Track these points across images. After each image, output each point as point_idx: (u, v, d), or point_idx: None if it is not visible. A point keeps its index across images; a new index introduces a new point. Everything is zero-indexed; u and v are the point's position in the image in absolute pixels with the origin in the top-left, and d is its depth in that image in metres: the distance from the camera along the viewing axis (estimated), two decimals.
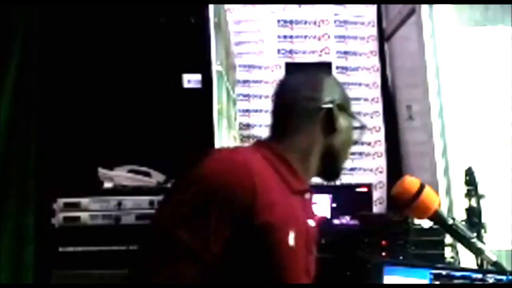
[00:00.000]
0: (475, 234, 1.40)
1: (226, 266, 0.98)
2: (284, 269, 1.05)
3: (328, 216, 3.09)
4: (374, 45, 3.92)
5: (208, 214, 0.96)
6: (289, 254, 1.05)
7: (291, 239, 1.05)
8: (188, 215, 0.97)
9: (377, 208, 3.58)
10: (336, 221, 2.97)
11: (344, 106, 1.22)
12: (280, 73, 3.86)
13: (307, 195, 1.20)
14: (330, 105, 1.18)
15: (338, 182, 2.22)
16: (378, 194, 3.69)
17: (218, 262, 0.96)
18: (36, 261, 2.00)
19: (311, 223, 1.20)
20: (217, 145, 2.22)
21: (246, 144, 3.73)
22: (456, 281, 1.51)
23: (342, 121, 1.20)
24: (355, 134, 1.27)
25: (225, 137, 2.58)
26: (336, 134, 1.19)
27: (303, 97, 1.19)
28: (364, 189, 3.32)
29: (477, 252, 1.33)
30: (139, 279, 0.98)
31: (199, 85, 2.26)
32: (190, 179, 1.02)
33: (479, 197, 2.11)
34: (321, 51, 3.90)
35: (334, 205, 3.15)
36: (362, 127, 1.27)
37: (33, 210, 2.02)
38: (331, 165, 1.23)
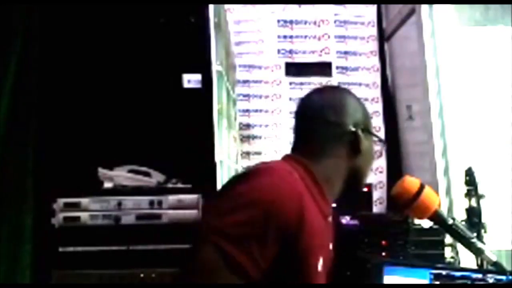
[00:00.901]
0: (475, 234, 1.40)
1: (263, 280, 1.00)
2: (299, 284, 1.07)
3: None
4: (374, 45, 3.92)
5: (265, 237, 0.98)
6: (317, 278, 1.10)
7: (320, 265, 1.10)
8: (246, 237, 0.98)
9: (377, 208, 3.58)
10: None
11: (366, 126, 1.25)
12: (280, 73, 3.87)
13: (330, 218, 1.23)
14: (354, 129, 1.21)
15: None
16: (378, 194, 3.69)
17: (260, 277, 0.99)
18: (35, 261, 1.99)
19: (331, 247, 1.24)
20: (217, 145, 2.22)
21: (247, 144, 3.76)
22: (456, 281, 1.51)
23: (365, 142, 1.23)
24: (376, 149, 1.31)
25: (225, 137, 2.57)
26: (360, 155, 1.23)
27: (329, 122, 1.21)
28: (364, 189, 3.32)
29: (477, 252, 1.33)
30: None
31: (199, 85, 2.26)
32: (248, 200, 1.02)
33: (479, 197, 2.11)
34: (321, 51, 3.90)
35: (334, 205, 3.14)
36: (382, 142, 1.33)
37: (31, 209, 2.02)
38: (355, 185, 1.26)
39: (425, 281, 1.54)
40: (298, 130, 1.26)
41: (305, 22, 3.92)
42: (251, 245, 0.97)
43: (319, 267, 1.10)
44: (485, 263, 1.51)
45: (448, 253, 2.31)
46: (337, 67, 3.89)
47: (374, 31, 3.93)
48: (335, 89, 1.37)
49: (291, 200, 1.02)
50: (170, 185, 2.13)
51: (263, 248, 0.98)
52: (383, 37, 3.92)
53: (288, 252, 1.01)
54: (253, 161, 3.74)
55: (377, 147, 1.32)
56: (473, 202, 2.12)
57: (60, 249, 1.97)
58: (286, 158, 1.21)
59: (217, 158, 2.18)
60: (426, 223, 2.22)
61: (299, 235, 1.02)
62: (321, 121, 1.21)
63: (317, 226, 1.09)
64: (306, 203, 1.06)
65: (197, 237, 1.02)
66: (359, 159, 1.22)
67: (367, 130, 1.24)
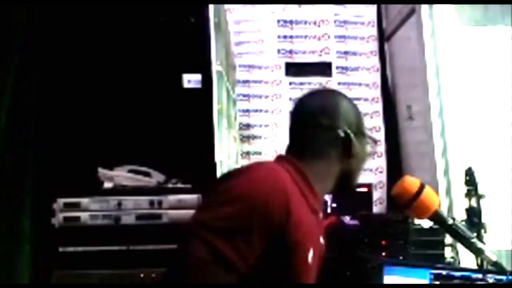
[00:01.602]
0: (475, 234, 1.40)
1: (254, 274, 1.03)
2: (299, 282, 1.11)
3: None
4: (374, 45, 3.92)
5: (250, 231, 1.01)
6: (307, 270, 1.13)
7: (310, 257, 1.12)
8: (232, 230, 1.01)
9: (377, 208, 3.58)
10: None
11: (359, 129, 1.27)
12: (280, 73, 3.87)
13: (320, 214, 1.26)
14: (346, 133, 1.23)
15: None
16: (378, 194, 3.69)
17: (250, 271, 1.02)
18: (35, 261, 1.99)
19: (322, 240, 1.26)
20: (217, 145, 2.22)
21: (247, 144, 3.76)
22: (456, 281, 1.51)
23: (358, 145, 1.25)
24: (369, 150, 1.32)
25: (225, 137, 2.58)
26: (352, 158, 1.25)
27: (320, 124, 1.24)
28: (364, 189, 3.32)
29: (477, 252, 1.33)
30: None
31: (199, 85, 2.26)
32: (235, 195, 1.05)
33: (479, 197, 2.11)
34: (321, 51, 3.90)
35: (334, 205, 3.15)
36: (375, 142, 1.34)
37: (30, 209, 2.01)
38: (347, 184, 1.29)
39: (425, 281, 1.54)
40: (292, 132, 1.30)
41: (305, 22, 3.92)
42: (237, 238, 1.00)
43: (309, 259, 1.12)
44: (485, 263, 1.51)
45: (448, 253, 2.31)
46: (337, 67, 3.89)
47: (374, 31, 3.93)
48: (328, 92, 1.39)
49: (276, 194, 1.05)
50: (170, 185, 2.13)
51: (249, 242, 1.01)
52: (383, 37, 3.93)
53: (275, 245, 1.04)
54: (253, 161, 3.72)
55: (371, 148, 1.32)
56: (473, 202, 2.12)
57: (60, 249, 1.97)
58: (278, 158, 1.25)
59: (217, 158, 2.18)
60: (426, 223, 2.22)
61: (286, 228, 1.05)
62: (314, 125, 1.25)
63: (305, 220, 1.12)
64: (292, 198, 1.08)
65: (186, 232, 1.04)
66: (351, 161, 1.25)
67: (360, 132, 1.27)
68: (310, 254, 1.12)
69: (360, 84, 3.88)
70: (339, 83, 3.86)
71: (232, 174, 1.11)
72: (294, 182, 1.14)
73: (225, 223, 1.01)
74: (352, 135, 1.23)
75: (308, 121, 1.26)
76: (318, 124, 1.24)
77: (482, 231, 2.06)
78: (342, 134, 1.23)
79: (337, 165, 1.24)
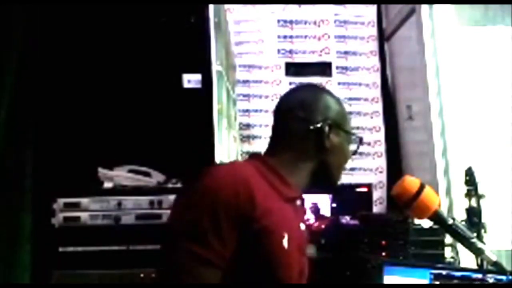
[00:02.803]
0: (475, 234, 1.40)
1: (232, 267, 1.06)
2: (280, 269, 1.12)
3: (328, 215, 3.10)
4: (374, 45, 3.92)
5: (219, 228, 1.05)
6: (284, 255, 1.13)
7: (285, 242, 1.13)
8: (203, 232, 1.04)
9: (377, 208, 3.59)
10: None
11: (338, 123, 1.26)
12: (280, 73, 3.87)
13: (298, 202, 1.27)
14: (319, 125, 1.24)
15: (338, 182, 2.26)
16: (378, 194, 3.69)
17: (228, 265, 1.06)
18: (35, 261, 1.99)
19: (303, 227, 1.27)
20: (217, 145, 2.22)
21: (247, 144, 3.76)
22: (456, 281, 1.51)
23: (334, 139, 1.25)
24: (352, 148, 1.32)
25: (225, 137, 2.58)
26: (328, 151, 1.25)
27: (295, 117, 1.25)
28: (364, 189, 3.32)
29: (477, 252, 1.33)
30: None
31: (199, 85, 2.26)
32: (196, 197, 1.09)
33: (479, 197, 2.11)
34: (321, 51, 3.90)
35: (334, 205, 3.15)
36: (360, 140, 1.33)
37: (30, 210, 2.01)
38: (324, 179, 1.29)
39: (425, 281, 1.54)
40: (273, 126, 1.33)
41: (305, 22, 3.92)
42: (211, 240, 1.04)
43: (285, 244, 1.12)
44: (485, 263, 1.51)
45: (448, 253, 2.31)
46: (337, 67, 3.89)
47: (374, 31, 3.93)
48: (311, 87, 1.39)
49: (237, 188, 1.08)
50: (170, 185, 2.13)
51: (222, 239, 1.04)
52: (383, 37, 3.93)
53: (245, 235, 1.07)
54: None
55: (355, 147, 1.32)
56: (473, 202, 2.12)
57: (60, 249, 1.97)
58: (249, 156, 1.30)
59: (217, 158, 2.18)
60: (426, 223, 2.22)
61: (253, 217, 1.07)
62: (291, 116, 1.26)
63: (275, 209, 1.13)
64: (256, 187, 1.10)
65: (165, 240, 1.09)
66: (327, 155, 1.25)
67: (339, 127, 1.26)
68: (285, 239, 1.13)
69: (360, 84, 3.88)
70: (339, 83, 3.86)
71: (198, 177, 1.14)
72: (261, 175, 1.17)
73: (197, 228, 1.04)
74: (326, 128, 1.23)
75: (284, 114, 1.28)
76: (293, 117, 1.25)
77: (482, 231, 2.07)
78: (316, 126, 1.23)
79: (312, 158, 1.24)
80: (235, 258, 1.06)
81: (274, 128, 1.33)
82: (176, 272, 1.04)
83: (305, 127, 1.24)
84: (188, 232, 1.05)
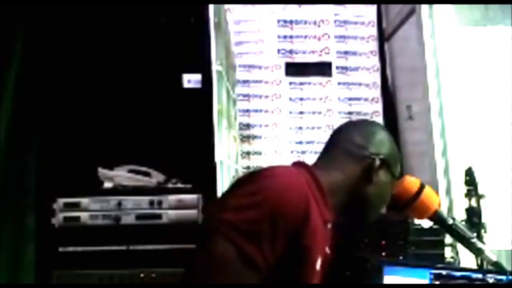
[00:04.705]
0: (475, 234, 1.40)
1: (270, 275, 1.07)
2: (300, 284, 1.13)
3: None
4: (374, 45, 3.92)
5: (275, 235, 1.06)
6: (314, 276, 1.16)
7: (318, 264, 1.16)
8: (258, 233, 1.05)
9: None
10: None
11: (388, 163, 1.28)
12: (280, 73, 3.87)
13: (329, 225, 1.26)
14: (373, 157, 1.25)
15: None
16: None
17: (267, 272, 1.06)
18: (39, 261, 1.99)
19: (327, 251, 1.28)
20: (217, 145, 2.22)
21: (247, 144, 3.76)
22: (456, 281, 1.50)
23: (381, 176, 1.27)
24: (391, 190, 1.33)
25: (225, 137, 2.58)
26: (371, 186, 1.26)
27: (354, 142, 1.28)
28: None
29: (477, 252, 1.33)
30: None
31: (199, 85, 2.26)
32: (260, 197, 1.08)
33: (479, 197, 2.11)
34: (321, 51, 3.90)
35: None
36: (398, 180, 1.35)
37: (34, 210, 2.02)
38: (358, 212, 1.30)
39: (425, 281, 1.54)
40: (328, 145, 1.33)
41: (305, 22, 3.92)
42: (262, 241, 1.04)
43: (317, 266, 1.15)
44: (485, 263, 1.51)
45: (448, 253, 2.31)
46: (337, 67, 3.89)
47: (374, 31, 3.93)
48: (373, 122, 1.44)
49: (297, 200, 1.09)
50: (170, 185, 2.13)
51: (272, 244, 1.05)
52: (383, 37, 3.92)
53: (292, 248, 1.07)
54: (253, 161, 3.74)
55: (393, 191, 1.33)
56: (473, 202, 2.12)
57: (60, 249, 1.97)
58: (295, 164, 1.27)
59: (217, 158, 2.18)
60: (426, 223, 2.21)
61: (303, 233, 1.08)
62: (346, 139, 1.29)
63: (318, 228, 1.14)
64: (312, 204, 1.12)
65: (205, 231, 1.10)
66: (369, 188, 1.25)
67: (388, 166, 1.27)
68: (319, 262, 1.15)
69: (360, 84, 3.88)
70: (339, 83, 3.86)
71: (252, 178, 1.14)
72: (312, 192, 1.17)
73: (252, 227, 1.05)
74: (377, 161, 1.25)
75: (343, 136, 1.31)
76: (350, 139, 1.28)
77: (482, 231, 2.06)
78: (368, 155, 1.25)
79: (355, 185, 1.25)
80: (274, 266, 1.06)
81: (327, 146, 1.33)
82: (215, 262, 1.04)
83: (358, 152, 1.26)
84: (243, 230, 1.05)
